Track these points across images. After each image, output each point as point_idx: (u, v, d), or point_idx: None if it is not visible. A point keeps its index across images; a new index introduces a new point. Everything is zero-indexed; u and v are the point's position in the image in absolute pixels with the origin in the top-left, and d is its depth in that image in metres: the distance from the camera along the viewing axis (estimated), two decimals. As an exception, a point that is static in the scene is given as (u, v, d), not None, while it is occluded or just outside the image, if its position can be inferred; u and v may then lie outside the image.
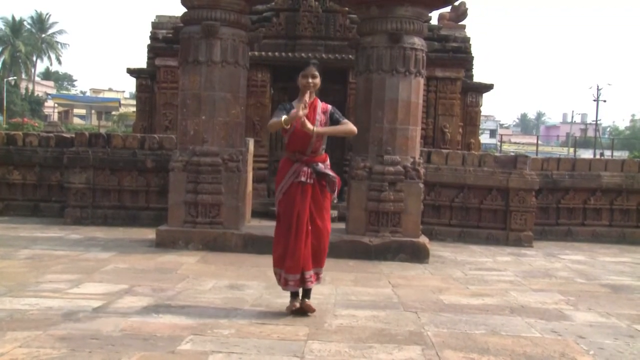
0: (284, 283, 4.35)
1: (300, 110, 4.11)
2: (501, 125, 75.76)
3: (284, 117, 4.19)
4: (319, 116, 4.35)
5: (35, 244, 6.94)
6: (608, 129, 75.23)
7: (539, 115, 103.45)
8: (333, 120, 4.41)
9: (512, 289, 5.73)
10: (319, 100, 4.44)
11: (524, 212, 8.74)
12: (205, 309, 4.44)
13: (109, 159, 8.77)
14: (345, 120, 4.45)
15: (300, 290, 4.41)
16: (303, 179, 4.28)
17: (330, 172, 4.37)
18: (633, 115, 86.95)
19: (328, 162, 4.45)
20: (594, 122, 51.10)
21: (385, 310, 4.66)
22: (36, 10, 63.45)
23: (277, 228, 4.44)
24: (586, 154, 39.08)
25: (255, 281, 5.45)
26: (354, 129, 4.48)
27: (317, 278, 4.46)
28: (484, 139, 42.21)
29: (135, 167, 8.80)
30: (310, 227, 4.31)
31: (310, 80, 4.31)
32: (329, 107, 4.46)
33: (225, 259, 6.53)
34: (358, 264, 6.59)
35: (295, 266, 4.27)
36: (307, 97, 4.21)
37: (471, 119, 12.28)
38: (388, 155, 7.07)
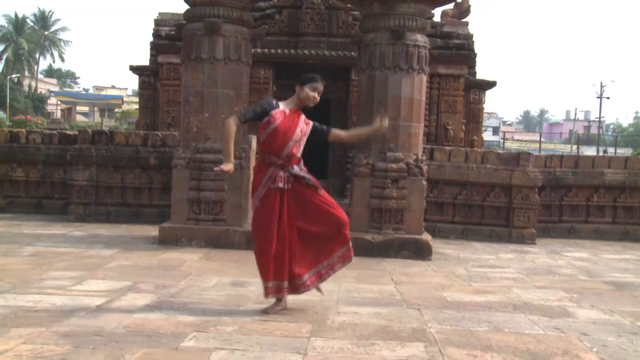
0: (275, 291, 4.27)
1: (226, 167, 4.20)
2: (504, 123, 75.65)
3: (230, 164, 4.20)
4: (302, 125, 4.29)
5: (39, 240, 6.96)
6: (611, 126, 75.04)
7: (542, 112, 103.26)
8: (316, 130, 4.36)
9: (515, 286, 5.72)
10: (303, 115, 4.38)
11: (526, 210, 8.72)
12: (208, 306, 4.44)
13: (112, 156, 8.78)
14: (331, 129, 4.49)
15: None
16: (280, 184, 4.21)
17: (307, 175, 4.28)
18: (637, 113, 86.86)
19: (302, 164, 4.35)
20: (597, 119, 50.97)
21: (388, 307, 4.66)
22: (39, 8, 63.57)
23: (256, 238, 4.33)
24: (589, 151, 38.99)
25: (258, 278, 5.40)
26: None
27: (335, 266, 4.39)
28: (487, 136, 42.14)
29: (138, 164, 8.81)
30: (313, 219, 4.27)
31: (317, 96, 4.28)
32: (311, 123, 4.39)
33: (228, 256, 6.53)
34: (361, 261, 6.57)
35: (280, 272, 4.23)
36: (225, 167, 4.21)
37: (474, 116, 12.27)
38: (391, 152, 7.06)
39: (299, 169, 4.27)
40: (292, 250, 4.28)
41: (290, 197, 4.26)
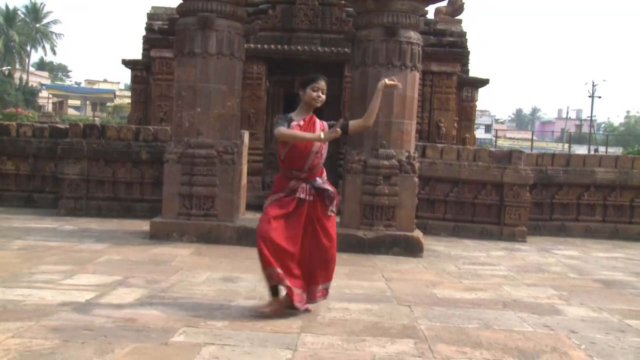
0: (280, 277, 4.02)
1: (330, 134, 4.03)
2: (496, 121, 75.84)
3: (322, 134, 4.05)
4: (319, 132, 4.17)
5: (29, 234, 6.92)
6: (603, 125, 75.39)
7: (534, 110, 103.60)
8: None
9: (505, 284, 5.75)
10: (317, 119, 4.29)
11: (518, 207, 8.76)
12: (198, 301, 4.44)
13: (103, 150, 8.74)
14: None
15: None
16: (302, 195, 4.13)
17: (329, 187, 4.23)
18: (628, 112, 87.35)
19: (325, 175, 4.32)
20: (589, 118, 51.21)
21: (379, 303, 4.68)
22: (30, 0, 62.64)
23: (258, 228, 4.09)
24: (581, 150, 39.19)
25: (249, 274, 5.44)
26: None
27: (316, 296, 4.27)
28: (479, 134, 42.24)
29: (129, 158, 8.78)
30: (310, 245, 4.17)
31: (321, 95, 4.19)
32: (325, 124, 4.31)
33: (219, 252, 6.52)
34: (352, 258, 6.60)
35: (290, 264, 4.09)
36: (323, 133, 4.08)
37: (466, 113, 12.29)
38: (383, 149, 7.07)
39: (321, 182, 4.21)
40: (302, 263, 4.17)
41: (310, 209, 4.16)
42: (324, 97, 4.24)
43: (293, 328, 3.88)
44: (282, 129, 4.06)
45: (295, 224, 4.14)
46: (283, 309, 4.15)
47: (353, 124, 4.38)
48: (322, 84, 4.22)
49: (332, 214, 4.28)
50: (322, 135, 4.05)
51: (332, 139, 4.07)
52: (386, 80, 4.33)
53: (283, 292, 4.20)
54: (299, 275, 4.15)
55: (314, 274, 4.23)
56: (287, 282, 4.06)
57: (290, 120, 4.16)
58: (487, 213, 8.92)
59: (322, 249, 4.20)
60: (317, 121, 4.28)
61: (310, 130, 4.16)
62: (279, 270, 4.02)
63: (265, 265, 4.04)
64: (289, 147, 4.14)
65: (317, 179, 4.22)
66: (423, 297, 4.98)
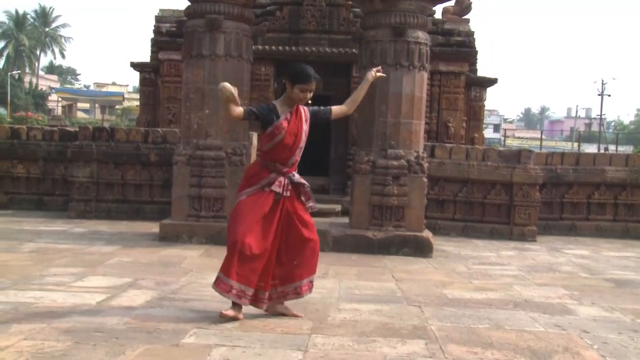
0: (237, 295, 3.91)
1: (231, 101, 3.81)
2: (505, 120, 75.59)
3: (239, 110, 3.88)
4: (305, 126, 4.10)
5: (40, 237, 6.96)
6: (612, 124, 74.97)
7: (543, 109, 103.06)
8: (318, 117, 4.21)
9: (516, 284, 5.72)
10: (301, 108, 4.14)
11: (527, 207, 8.72)
12: (208, 303, 4.44)
13: (112, 153, 8.78)
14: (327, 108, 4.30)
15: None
16: (278, 189, 4.01)
17: (305, 182, 4.15)
18: (638, 110, 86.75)
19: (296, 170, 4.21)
20: (599, 117, 50.94)
21: (389, 304, 4.66)
22: (40, 4, 63.19)
23: (230, 230, 3.97)
24: (590, 149, 38.97)
25: (259, 275, 5.44)
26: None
27: (302, 291, 4.16)
28: (488, 133, 42.04)
29: (138, 160, 8.82)
30: (289, 239, 4.08)
31: (308, 96, 4.05)
32: (306, 110, 4.17)
33: (228, 253, 6.52)
34: (361, 258, 6.59)
35: (249, 277, 3.93)
36: (233, 96, 3.82)
37: (475, 113, 12.26)
38: (392, 149, 7.06)
39: (298, 177, 4.13)
40: (270, 260, 4.05)
41: (286, 206, 4.07)
42: (309, 97, 4.08)
43: (303, 329, 3.88)
44: (238, 108, 3.91)
45: (269, 220, 4.01)
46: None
47: (336, 109, 4.32)
48: (313, 86, 4.05)
49: (310, 210, 4.21)
50: (239, 111, 3.87)
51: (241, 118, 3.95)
52: (374, 71, 4.42)
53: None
54: (260, 272, 4.00)
55: (298, 269, 4.12)
56: (240, 302, 3.96)
57: (275, 112, 4.02)
58: (497, 213, 8.88)
59: (304, 241, 4.09)
60: (303, 116, 4.14)
61: (299, 124, 4.06)
62: (235, 287, 3.90)
63: (225, 274, 3.92)
64: (276, 142, 3.99)
65: (295, 173, 4.14)
66: (433, 298, 4.96)
